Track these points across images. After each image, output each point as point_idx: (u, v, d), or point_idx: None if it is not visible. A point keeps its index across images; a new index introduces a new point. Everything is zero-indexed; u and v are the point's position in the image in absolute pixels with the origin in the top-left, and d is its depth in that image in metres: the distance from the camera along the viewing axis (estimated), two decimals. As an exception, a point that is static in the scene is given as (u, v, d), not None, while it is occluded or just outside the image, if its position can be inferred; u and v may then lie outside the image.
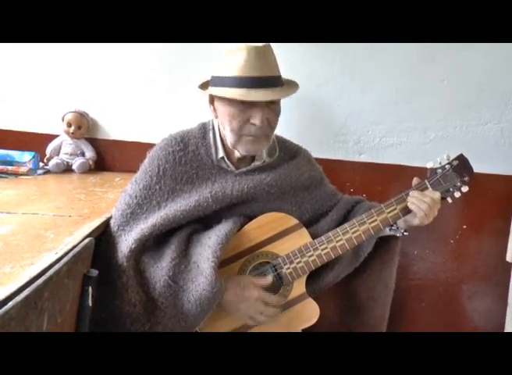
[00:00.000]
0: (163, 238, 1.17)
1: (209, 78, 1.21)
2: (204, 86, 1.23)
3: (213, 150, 1.22)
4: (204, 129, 1.26)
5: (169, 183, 1.19)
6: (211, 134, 1.24)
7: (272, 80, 1.13)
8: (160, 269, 1.10)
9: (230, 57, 1.12)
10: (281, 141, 1.33)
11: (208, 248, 1.09)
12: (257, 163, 1.25)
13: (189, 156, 1.21)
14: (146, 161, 1.24)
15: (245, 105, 1.12)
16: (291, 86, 1.22)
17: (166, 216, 1.14)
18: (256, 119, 1.12)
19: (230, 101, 1.13)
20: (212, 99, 1.20)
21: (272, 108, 1.15)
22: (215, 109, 1.21)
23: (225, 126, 1.18)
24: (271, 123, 1.17)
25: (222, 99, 1.15)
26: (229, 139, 1.18)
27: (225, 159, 1.23)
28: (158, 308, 1.10)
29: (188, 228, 1.18)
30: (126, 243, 1.13)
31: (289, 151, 1.31)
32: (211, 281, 1.05)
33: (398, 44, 1.69)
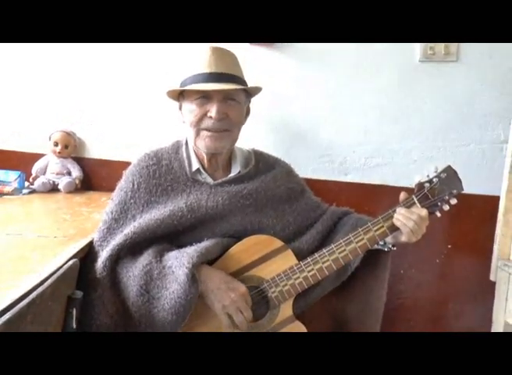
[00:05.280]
0: (139, 250, 1.15)
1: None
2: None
3: (186, 163, 1.24)
4: (177, 145, 1.30)
5: (144, 196, 1.20)
6: (183, 149, 1.27)
7: (230, 77, 1.18)
8: (132, 279, 1.09)
9: (192, 61, 1.20)
10: (258, 154, 1.34)
11: (185, 254, 1.08)
12: (232, 175, 1.25)
13: (163, 170, 1.23)
14: (122, 179, 1.26)
15: (203, 101, 1.17)
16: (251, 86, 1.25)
17: (139, 225, 1.14)
18: (212, 112, 1.15)
19: (190, 99, 1.18)
20: (180, 106, 1.25)
21: (230, 104, 1.18)
22: (182, 114, 1.25)
23: (188, 126, 1.21)
24: (231, 118, 1.19)
25: (185, 100, 1.21)
26: (191, 136, 1.21)
27: (201, 171, 1.24)
28: (133, 318, 1.09)
29: (167, 244, 1.17)
30: (101, 258, 1.13)
31: (267, 163, 1.32)
32: (185, 289, 1.03)
33: (381, 66, 1.73)
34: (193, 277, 1.05)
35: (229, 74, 1.18)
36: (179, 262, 1.07)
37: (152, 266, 1.09)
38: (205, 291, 1.09)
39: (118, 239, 1.13)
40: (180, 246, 1.18)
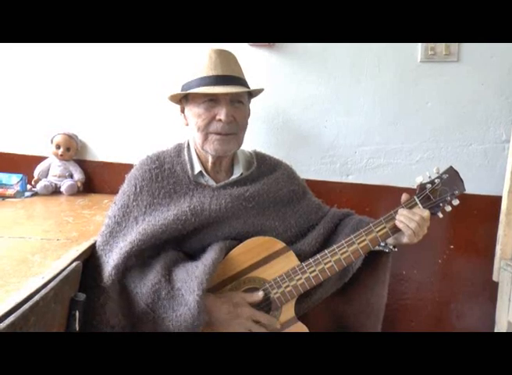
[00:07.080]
0: (147, 260, 1.14)
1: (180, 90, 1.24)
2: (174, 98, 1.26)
3: (188, 166, 1.23)
4: (179, 147, 1.29)
5: (146, 199, 1.19)
6: (185, 152, 1.26)
7: (235, 79, 1.18)
8: (139, 296, 1.08)
9: (195, 64, 1.19)
10: (260, 156, 1.34)
11: (195, 278, 1.06)
12: (234, 177, 1.25)
13: (165, 173, 1.22)
14: (124, 182, 1.25)
15: (210, 104, 1.16)
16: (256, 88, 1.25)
17: (144, 231, 1.13)
18: (221, 115, 1.15)
19: (196, 103, 1.18)
20: (183, 108, 1.25)
21: (237, 107, 1.19)
22: (185, 117, 1.24)
23: (194, 129, 1.20)
24: (238, 122, 1.19)
25: (190, 103, 1.20)
26: (198, 140, 1.21)
27: (204, 173, 1.24)
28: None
29: (173, 252, 1.16)
30: (106, 264, 1.12)
31: (268, 165, 1.32)
32: (193, 314, 1.02)
33: (382, 66, 1.73)
34: (203, 304, 1.03)
35: (235, 76, 1.18)
36: (188, 286, 1.06)
37: (161, 285, 1.07)
38: (212, 322, 1.09)
39: (124, 247, 1.11)
40: (185, 251, 1.19)
